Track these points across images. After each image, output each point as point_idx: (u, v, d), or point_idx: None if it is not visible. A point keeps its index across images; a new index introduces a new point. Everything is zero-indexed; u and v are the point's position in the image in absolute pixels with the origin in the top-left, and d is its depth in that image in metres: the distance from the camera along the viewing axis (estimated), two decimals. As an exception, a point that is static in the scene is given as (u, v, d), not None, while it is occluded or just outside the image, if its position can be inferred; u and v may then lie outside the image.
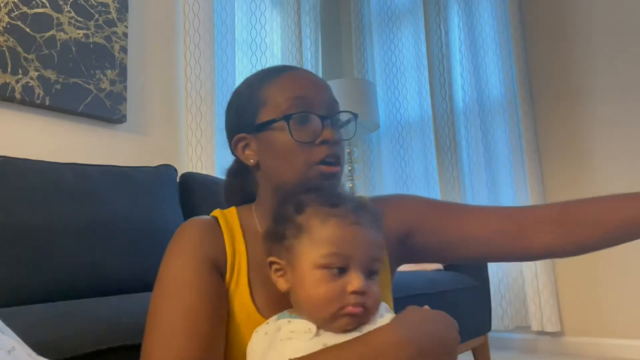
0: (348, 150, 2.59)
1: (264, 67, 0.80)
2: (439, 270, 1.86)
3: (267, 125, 0.70)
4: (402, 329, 0.55)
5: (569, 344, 2.27)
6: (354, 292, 0.55)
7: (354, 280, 0.56)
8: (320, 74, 2.72)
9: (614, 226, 0.69)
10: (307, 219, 0.59)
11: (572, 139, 2.37)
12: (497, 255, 0.77)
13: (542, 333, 2.33)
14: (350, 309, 0.55)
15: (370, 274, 0.58)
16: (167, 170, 1.56)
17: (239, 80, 2.25)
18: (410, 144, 2.72)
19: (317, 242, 0.58)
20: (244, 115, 0.73)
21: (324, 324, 0.57)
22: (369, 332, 0.55)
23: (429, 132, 2.66)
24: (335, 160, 0.69)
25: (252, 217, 0.75)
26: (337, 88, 2.49)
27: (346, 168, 2.59)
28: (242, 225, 0.73)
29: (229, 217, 0.74)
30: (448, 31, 2.69)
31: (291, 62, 2.52)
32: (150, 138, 1.85)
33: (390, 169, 2.76)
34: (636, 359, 2.07)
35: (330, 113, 0.72)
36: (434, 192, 2.59)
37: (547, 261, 2.29)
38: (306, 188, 0.65)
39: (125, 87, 1.75)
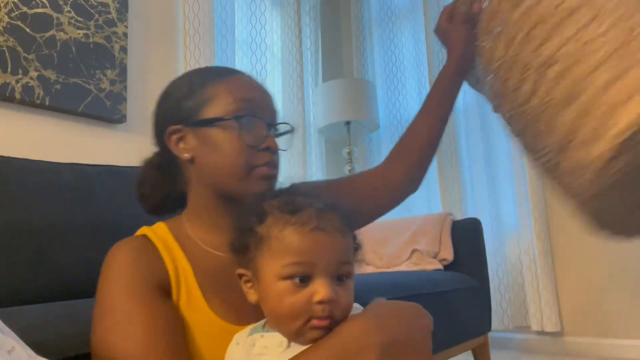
0: (348, 150, 2.60)
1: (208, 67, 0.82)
2: (438, 270, 1.87)
3: (212, 121, 0.69)
4: (368, 319, 0.54)
5: (569, 344, 2.27)
6: (321, 302, 0.52)
7: (320, 289, 0.53)
8: (320, 74, 2.72)
9: (429, 136, 0.91)
10: (267, 229, 0.56)
11: (572, 139, 2.37)
12: (378, 204, 0.90)
13: (542, 333, 2.33)
14: (315, 322, 0.53)
15: (340, 278, 0.55)
16: (167, 170, 1.56)
17: (239, 80, 2.26)
18: (410, 144, 2.72)
19: (277, 252, 0.55)
20: (183, 108, 0.72)
21: (293, 338, 0.55)
22: (336, 328, 0.53)
23: (429, 132, 2.66)
24: (274, 166, 0.72)
25: (184, 228, 0.73)
26: (337, 88, 2.50)
27: (346, 168, 2.59)
28: (176, 239, 0.70)
29: (159, 233, 0.71)
30: (448, 31, 2.69)
31: (291, 62, 2.52)
32: (150, 138, 1.84)
33: (390, 169, 2.76)
34: (636, 359, 2.07)
35: (273, 121, 0.74)
36: (434, 192, 2.59)
37: (547, 261, 2.29)
38: (257, 196, 0.64)
39: (125, 87, 1.75)
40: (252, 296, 0.59)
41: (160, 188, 0.78)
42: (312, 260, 0.54)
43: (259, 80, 0.77)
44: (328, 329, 0.54)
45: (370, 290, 1.23)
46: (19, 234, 1.11)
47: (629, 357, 2.10)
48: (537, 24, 0.67)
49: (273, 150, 0.71)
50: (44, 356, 0.48)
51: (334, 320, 0.54)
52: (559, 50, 0.63)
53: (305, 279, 0.54)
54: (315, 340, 0.53)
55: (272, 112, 0.75)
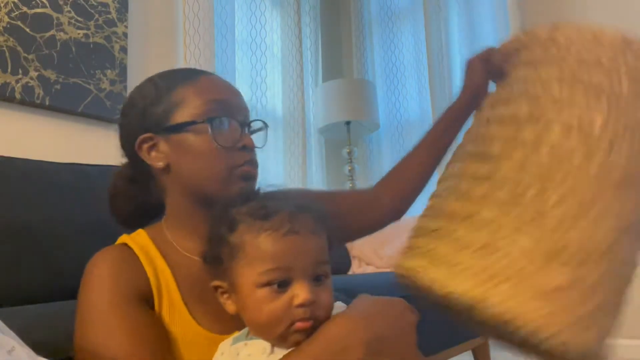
0: (348, 150, 2.59)
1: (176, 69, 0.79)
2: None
3: (184, 126, 0.67)
4: (352, 317, 0.54)
5: (569, 344, 2.27)
6: (301, 305, 0.52)
7: (300, 292, 0.52)
8: (320, 74, 2.72)
9: (419, 171, 0.94)
10: (240, 237, 0.55)
11: (572, 139, 2.37)
12: (365, 223, 0.90)
13: (542, 333, 2.33)
14: (299, 324, 0.52)
15: (318, 279, 0.55)
16: (167, 170, 1.56)
17: (239, 80, 2.26)
18: (410, 144, 2.71)
19: (253, 260, 0.54)
20: (151, 115, 0.69)
21: (277, 343, 0.54)
22: (320, 329, 0.53)
23: (429, 132, 2.66)
24: (254, 164, 0.70)
25: (164, 235, 0.71)
26: (337, 88, 2.50)
27: (346, 168, 2.59)
28: (157, 247, 0.68)
29: (140, 241, 0.69)
30: (448, 31, 2.69)
31: (291, 62, 2.52)
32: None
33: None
34: (636, 359, 2.07)
35: (246, 119, 0.72)
36: (434, 192, 2.59)
37: (547, 261, 2.29)
38: (233, 198, 0.63)
39: (125, 87, 1.75)
40: (230, 307, 0.58)
41: (133, 200, 0.76)
42: (289, 265, 0.53)
43: (227, 79, 0.75)
44: (311, 330, 0.53)
45: (371, 290, 1.23)
46: (19, 234, 1.11)
47: (629, 357, 2.10)
48: (472, 141, 0.73)
49: (250, 149, 0.70)
50: (44, 356, 0.48)
51: (317, 321, 0.53)
52: (450, 187, 0.70)
53: (283, 284, 0.53)
54: (299, 343, 0.53)
55: (244, 110, 0.73)
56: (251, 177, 0.70)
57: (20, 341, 0.47)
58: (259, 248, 0.54)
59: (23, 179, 1.19)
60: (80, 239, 1.19)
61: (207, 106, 0.68)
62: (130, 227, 0.75)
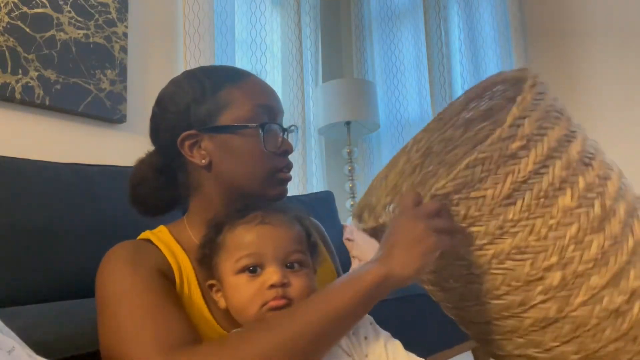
0: (348, 150, 2.60)
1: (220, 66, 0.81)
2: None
3: (235, 129, 0.69)
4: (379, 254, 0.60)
5: (569, 344, 2.27)
6: (272, 286, 0.57)
7: (271, 275, 0.58)
8: (320, 74, 2.72)
9: None
10: (222, 236, 0.62)
11: (572, 139, 2.37)
12: None
13: (542, 333, 2.33)
14: (272, 303, 0.57)
15: (291, 266, 0.60)
16: (167, 170, 1.56)
17: (239, 80, 2.25)
18: (410, 144, 2.72)
19: (230, 251, 0.61)
20: (196, 112, 0.70)
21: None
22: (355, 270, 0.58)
23: (429, 132, 2.66)
24: (290, 169, 0.75)
25: (186, 231, 0.72)
26: (337, 88, 2.50)
27: (346, 168, 2.59)
28: (178, 242, 0.70)
29: (161, 236, 0.70)
30: (448, 31, 2.69)
31: (291, 62, 2.51)
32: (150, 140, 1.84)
33: (390, 169, 2.75)
34: (636, 359, 2.06)
35: (282, 123, 0.76)
36: (434, 192, 2.59)
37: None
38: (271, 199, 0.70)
39: (125, 87, 1.75)
40: (221, 303, 0.62)
41: (159, 190, 0.76)
42: (260, 251, 0.59)
43: (266, 81, 0.78)
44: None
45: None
46: (19, 234, 1.11)
47: (629, 357, 2.10)
48: None
49: (290, 153, 0.74)
50: (44, 356, 0.48)
51: (291, 301, 0.58)
52: None
53: (256, 269, 0.59)
54: None
55: (282, 114, 0.76)
56: (288, 180, 0.74)
57: (20, 341, 0.47)
58: (234, 239, 0.61)
59: (23, 179, 1.19)
60: (81, 239, 1.19)
61: (254, 111, 0.70)
62: (150, 216, 0.77)
